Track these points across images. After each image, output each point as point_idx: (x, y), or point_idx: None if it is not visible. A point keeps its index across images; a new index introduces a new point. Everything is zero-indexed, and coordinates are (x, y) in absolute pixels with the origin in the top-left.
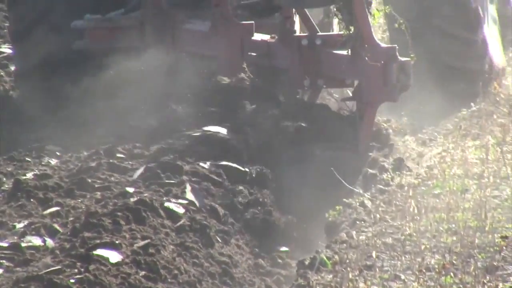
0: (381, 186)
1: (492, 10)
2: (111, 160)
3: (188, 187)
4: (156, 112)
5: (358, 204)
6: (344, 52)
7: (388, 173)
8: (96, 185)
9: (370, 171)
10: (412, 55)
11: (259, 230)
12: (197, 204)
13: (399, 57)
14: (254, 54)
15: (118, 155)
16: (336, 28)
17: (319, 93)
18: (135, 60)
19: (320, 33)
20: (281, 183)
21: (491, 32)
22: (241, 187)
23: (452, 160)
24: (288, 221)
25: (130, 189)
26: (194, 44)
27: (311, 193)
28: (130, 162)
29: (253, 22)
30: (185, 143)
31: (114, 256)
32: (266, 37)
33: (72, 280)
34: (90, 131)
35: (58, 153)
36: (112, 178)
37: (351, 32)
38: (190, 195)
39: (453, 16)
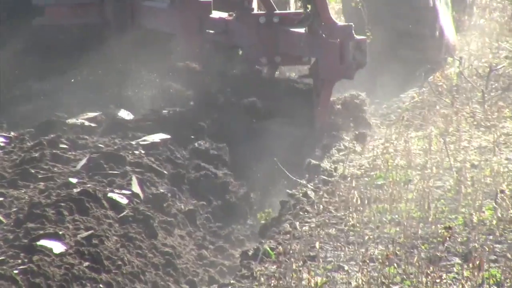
0: (324, 177)
1: None
2: (54, 151)
3: (134, 179)
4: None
5: (301, 195)
6: (301, 30)
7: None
8: (40, 176)
9: (313, 162)
10: (368, 34)
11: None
12: (141, 196)
13: (355, 35)
14: (212, 31)
15: (61, 145)
16: (293, 7)
17: (276, 70)
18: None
19: (277, 11)
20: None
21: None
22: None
23: (395, 150)
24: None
25: (74, 180)
26: (153, 21)
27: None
28: (73, 153)
29: (211, 0)
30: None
31: (57, 247)
32: (224, 15)
33: (15, 271)
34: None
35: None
36: (56, 169)
37: (308, 10)
38: (135, 187)
39: None
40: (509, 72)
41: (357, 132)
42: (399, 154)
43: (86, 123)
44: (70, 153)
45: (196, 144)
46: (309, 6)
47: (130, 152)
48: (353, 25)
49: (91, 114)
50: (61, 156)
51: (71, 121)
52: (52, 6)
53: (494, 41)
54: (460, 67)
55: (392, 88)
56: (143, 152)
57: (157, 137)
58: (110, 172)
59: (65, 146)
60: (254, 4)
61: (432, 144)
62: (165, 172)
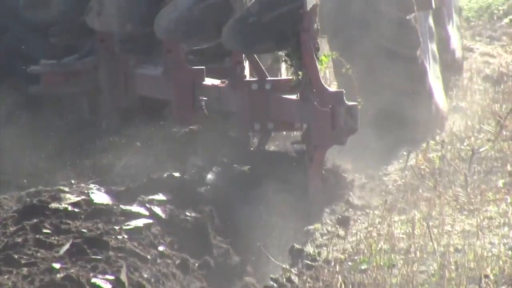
0: (308, 261)
1: (433, 48)
2: (37, 236)
3: (124, 268)
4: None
5: (285, 279)
6: (293, 97)
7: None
8: (23, 261)
9: (296, 246)
10: (359, 100)
11: None
12: (126, 284)
13: (346, 102)
14: (205, 98)
15: (45, 230)
16: (284, 73)
17: (269, 136)
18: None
19: (269, 78)
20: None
21: (434, 76)
22: None
23: (379, 235)
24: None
25: (57, 265)
26: (146, 88)
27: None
28: (56, 238)
29: (204, 67)
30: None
31: None
32: (217, 81)
33: None
34: None
35: None
36: (39, 254)
37: (300, 77)
38: (123, 276)
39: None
40: (492, 155)
41: (340, 216)
42: (382, 238)
43: (70, 207)
44: (53, 238)
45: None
46: (300, 73)
47: (113, 237)
48: (344, 91)
49: (74, 199)
50: (44, 241)
51: (54, 205)
52: (47, 74)
53: (476, 124)
54: (443, 150)
55: (380, 151)
56: (126, 237)
57: (140, 222)
58: (93, 257)
59: (48, 231)
60: (246, 71)
61: (415, 228)
62: (148, 257)
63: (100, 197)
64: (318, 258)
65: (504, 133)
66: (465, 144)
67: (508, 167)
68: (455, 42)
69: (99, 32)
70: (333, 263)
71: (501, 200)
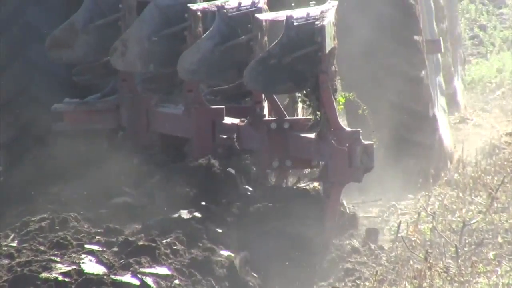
0: None
1: (440, 82)
2: None
3: None
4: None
5: None
6: (311, 136)
7: None
8: None
9: None
10: (374, 139)
11: None
12: None
13: (362, 141)
14: (224, 136)
15: None
16: (300, 113)
17: (288, 173)
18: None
19: (287, 117)
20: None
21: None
22: None
23: None
24: None
25: None
26: (167, 126)
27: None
28: None
29: (223, 106)
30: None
31: None
32: (236, 120)
33: None
34: None
35: None
36: None
37: (318, 116)
38: None
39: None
40: (483, 227)
41: (330, 287)
42: None
43: (60, 277)
44: None
45: None
46: (318, 113)
47: None
48: (361, 131)
49: (64, 269)
50: None
51: (45, 275)
52: (71, 112)
53: (467, 195)
54: (434, 221)
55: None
56: None
57: None
58: None
59: None
60: (265, 111)
61: None
62: None
63: (91, 266)
64: None
65: (495, 205)
66: (456, 215)
67: (499, 239)
68: (460, 95)
69: (122, 72)
70: None
71: (491, 272)
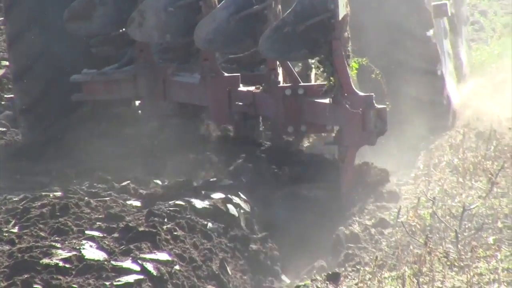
0: None
1: (447, 45)
2: None
3: None
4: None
5: None
6: (325, 101)
7: None
8: None
9: None
10: (387, 103)
11: None
12: None
13: (376, 105)
14: (240, 103)
15: (35, 286)
16: (313, 79)
17: (303, 138)
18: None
19: (302, 84)
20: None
21: (447, 67)
22: None
23: None
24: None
25: None
26: (184, 95)
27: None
28: None
29: (239, 74)
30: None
31: None
32: (251, 88)
33: None
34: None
35: None
36: None
37: (332, 82)
38: None
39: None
40: (482, 212)
41: (330, 272)
42: None
43: (61, 263)
44: None
45: None
46: (332, 79)
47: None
48: (374, 95)
49: (65, 254)
50: None
51: (45, 261)
52: (89, 82)
53: (467, 180)
54: (433, 206)
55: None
56: None
57: (131, 278)
58: None
59: (39, 286)
60: (280, 78)
61: (405, 284)
62: None
63: (91, 253)
64: None
65: (495, 190)
66: (456, 201)
67: (499, 224)
68: (463, 58)
69: (139, 42)
70: None
71: (491, 257)
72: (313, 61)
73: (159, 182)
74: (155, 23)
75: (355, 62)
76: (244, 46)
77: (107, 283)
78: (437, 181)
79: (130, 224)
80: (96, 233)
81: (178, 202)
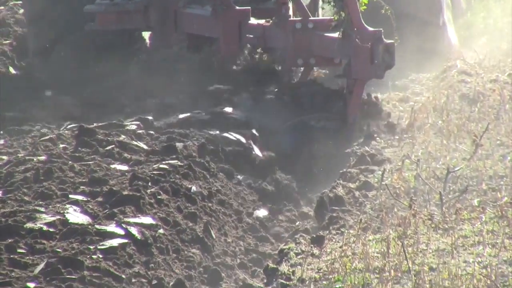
0: (282, 281)
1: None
2: (12, 256)
3: None
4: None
5: None
6: (334, 35)
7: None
8: None
9: (271, 265)
10: (396, 38)
11: None
12: None
13: (384, 39)
14: (251, 36)
15: (19, 250)
16: (320, 13)
17: (311, 71)
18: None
19: (312, 18)
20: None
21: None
22: None
23: (353, 253)
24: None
25: (31, 285)
26: (195, 27)
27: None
28: (31, 258)
29: (249, 7)
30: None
31: None
32: (261, 21)
33: None
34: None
35: None
36: (13, 274)
37: (342, 16)
38: None
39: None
40: (467, 174)
41: (314, 235)
42: (357, 257)
43: (45, 227)
44: (28, 257)
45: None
46: (342, 13)
47: (88, 256)
48: (382, 30)
49: (49, 219)
50: (19, 261)
51: (29, 225)
52: (102, 13)
53: (451, 142)
54: (418, 169)
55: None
56: (101, 256)
57: (115, 242)
58: (68, 277)
59: (23, 251)
60: (290, 12)
61: (390, 247)
62: (123, 276)
63: (75, 217)
64: (292, 277)
65: (480, 152)
66: (440, 163)
67: (484, 186)
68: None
69: None
70: (307, 282)
71: (476, 219)
72: None
73: (144, 146)
74: None
75: None
76: None
77: (91, 247)
78: (421, 143)
79: (114, 188)
80: (80, 197)
81: (162, 165)
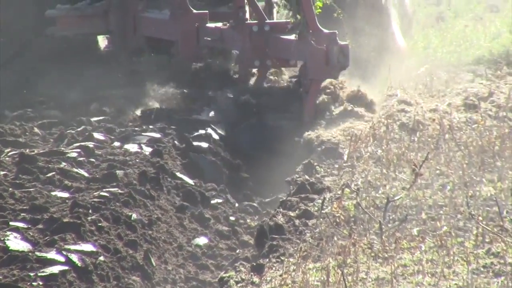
0: None
1: None
2: None
3: None
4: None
5: None
6: (290, 37)
7: None
8: None
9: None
10: (348, 41)
11: None
12: None
13: (339, 41)
14: (208, 38)
15: None
16: (275, 17)
17: (267, 72)
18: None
19: (268, 21)
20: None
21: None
22: None
23: (293, 282)
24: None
25: None
26: (154, 30)
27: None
28: None
29: (207, 11)
30: None
31: None
32: (219, 24)
33: None
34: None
35: None
36: None
37: (298, 19)
38: None
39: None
40: (406, 204)
41: (254, 264)
42: (297, 285)
43: None
44: None
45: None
46: (298, 16)
47: (29, 283)
48: (337, 32)
49: None
50: None
51: None
52: (62, 17)
53: (391, 172)
54: (358, 198)
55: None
56: (41, 283)
57: (56, 269)
58: None
59: None
60: (247, 15)
61: (330, 275)
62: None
63: (15, 244)
64: None
65: (419, 181)
66: (380, 192)
67: (423, 215)
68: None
69: None
70: None
71: (415, 248)
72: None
73: (84, 173)
74: None
75: (319, 1)
76: None
77: (32, 274)
78: (361, 172)
79: (55, 215)
80: (20, 224)
81: (102, 193)
